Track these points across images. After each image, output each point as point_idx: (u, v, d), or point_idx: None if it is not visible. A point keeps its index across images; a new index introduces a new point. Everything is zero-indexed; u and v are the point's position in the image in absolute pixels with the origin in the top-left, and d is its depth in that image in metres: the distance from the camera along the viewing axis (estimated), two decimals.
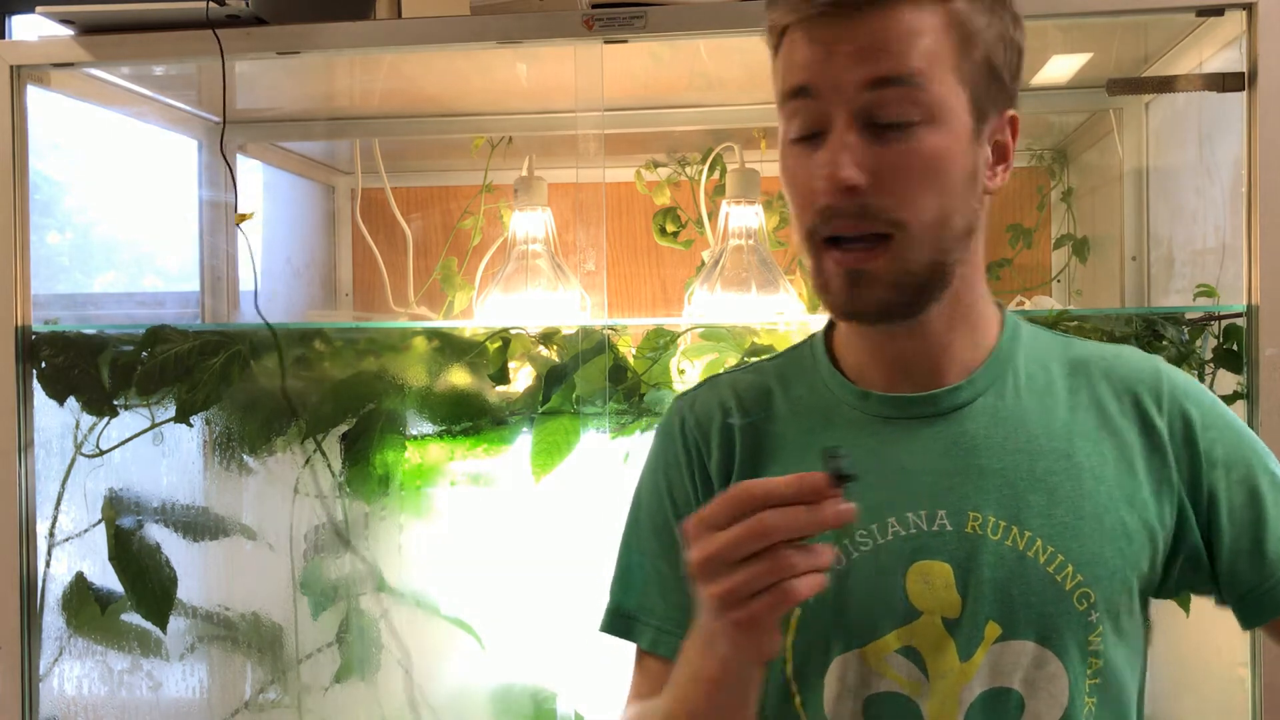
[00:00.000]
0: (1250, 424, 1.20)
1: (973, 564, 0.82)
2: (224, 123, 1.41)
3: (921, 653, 0.83)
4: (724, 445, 0.91)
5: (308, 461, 1.42)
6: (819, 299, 0.84)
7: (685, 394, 0.97)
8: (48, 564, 1.43)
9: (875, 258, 0.80)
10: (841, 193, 0.78)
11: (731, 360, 1.37)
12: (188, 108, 1.69)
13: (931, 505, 0.84)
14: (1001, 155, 0.84)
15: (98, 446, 1.44)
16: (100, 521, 1.43)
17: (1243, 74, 1.21)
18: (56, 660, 1.44)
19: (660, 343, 1.38)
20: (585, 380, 1.33)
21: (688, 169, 1.79)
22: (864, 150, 0.78)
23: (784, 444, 0.90)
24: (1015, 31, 0.83)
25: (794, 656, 0.87)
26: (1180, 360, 1.29)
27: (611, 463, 1.37)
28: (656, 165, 1.80)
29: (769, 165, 1.79)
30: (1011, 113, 0.84)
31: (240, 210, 1.44)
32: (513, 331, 1.40)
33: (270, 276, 1.91)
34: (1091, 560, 0.82)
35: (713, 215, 1.74)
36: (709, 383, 0.97)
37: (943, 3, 0.79)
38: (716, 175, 1.76)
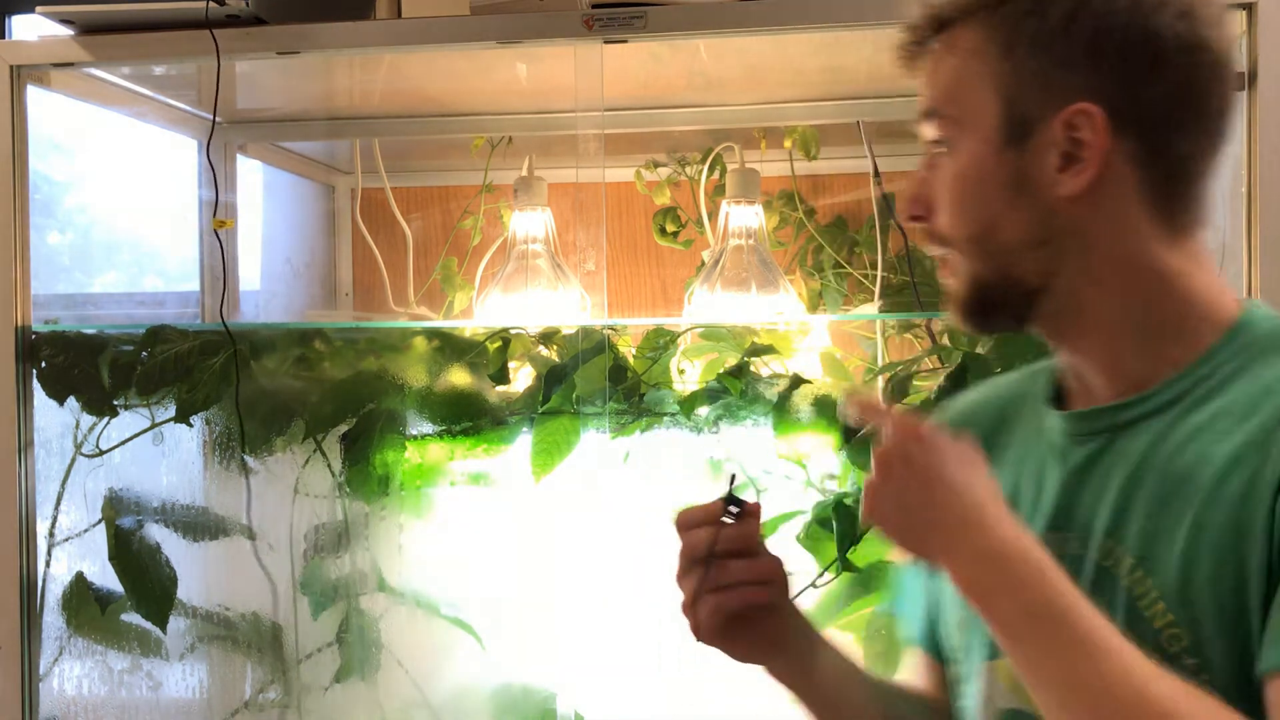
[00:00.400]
0: None
1: (1084, 589, 0.75)
2: (213, 121, 1.41)
3: None
4: None
5: (307, 462, 1.42)
6: None
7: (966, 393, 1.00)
8: (48, 564, 1.43)
9: (948, 272, 0.85)
10: (911, 220, 0.86)
11: (732, 360, 1.37)
12: (188, 108, 1.68)
13: (1067, 526, 0.81)
14: (1073, 156, 0.77)
15: (98, 446, 1.44)
16: (100, 521, 1.43)
17: (1243, 74, 1.21)
18: (56, 660, 1.44)
19: (660, 343, 1.38)
20: (585, 380, 1.33)
21: (688, 169, 1.79)
22: (925, 181, 0.84)
23: (1005, 453, 0.90)
24: (1082, 16, 0.76)
25: (959, 659, 0.90)
26: None
27: (611, 463, 1.37)
28: (656, 165, 1.80)
29: (769, 165, 1.79)
30: (1079, 106, 0.76)
31: (225, 214, 1.43)
32: (513, 331, 1.40)
33: (270, 276, 1.91)
34: (1189, 603, 0.73)
35: (713, 215, 1.74)
36: (983, 384, 1.00)
37: (975, 17, 0.80)
38: (716, 175, 1.76)
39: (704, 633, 0.85)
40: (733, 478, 0.85)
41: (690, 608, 0.85)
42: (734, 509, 0.83)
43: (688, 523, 0.85)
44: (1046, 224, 0.79)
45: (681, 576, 0.86)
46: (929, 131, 0.84)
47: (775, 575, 0.86)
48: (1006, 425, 0.92)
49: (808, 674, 0.91)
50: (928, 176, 0.84)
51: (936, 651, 0.96)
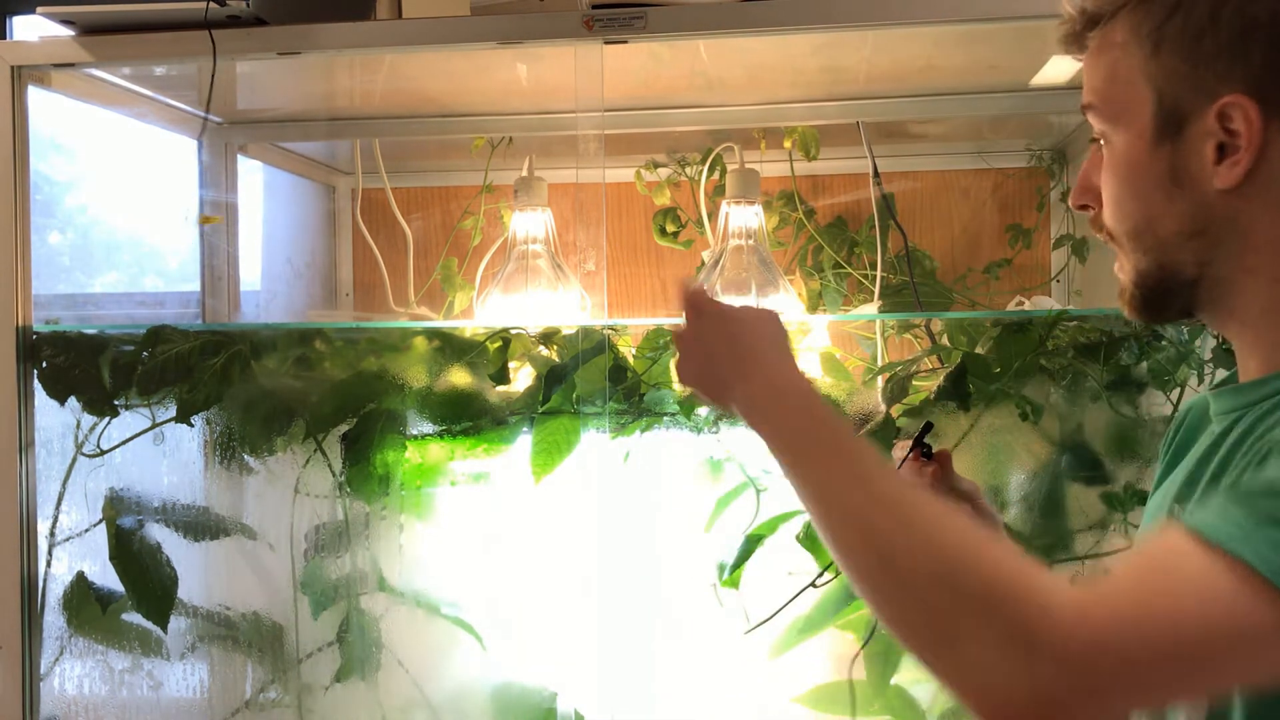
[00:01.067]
0: None
1: None
2: (205, 120, 1.41)
3: None
4: (1176, 429, 0.97)
5: (308, 462, 1.42)
6: None
7: None
8: (48, 564, 1.43)
9: (1119, 262, 0.86)
10: (1080, 209, 0.88)
11: None
12: (188, 108, 1.69)
13: (1187, 497, 0.83)
14: (1228, 148, 0.77)
15: (98, 446, 1.44)
16: (101, 521, 1.43)
17: None
18: (57, 660, 1.44)
19: (660, 343, 1.38)
20: (585, 380, 1.34)
21: (688, 169, 1.79)
22: (1089, 169, 0.86)
23: (1190, 441, 0.91)
24: (1228, 8, 0.76)
25: None
26: (1179, 360, 1.29)
27: (611, 463, 1.37)
28: (656, 165, 1.80)
29: (769, 165, 1.79)
30: (1230, 99, 0.76)
31: (220, 217, 1.43)
32: (513, 331, 1.40)
33: (270, 276, 1.91)
34: None
35: (712, 215, 1.75)
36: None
37: (1122, 12, 0.81)
38: (716, 175, 1.76)
39: None
40: (926, 425, 0.90)
41: None
42: (922, 452, 0.89)
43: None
44: (1203, 215, 0.79)
45: None
46: (1093, 123, 0.85)
47: None
48: (1206, 413, 0.93)
49: None
50: (1093, 168, 0.85)
51: None
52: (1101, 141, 0.84)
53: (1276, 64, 0.76)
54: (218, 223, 1.43)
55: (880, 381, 1.39)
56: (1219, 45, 0.77)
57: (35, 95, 1.40)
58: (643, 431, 1.36)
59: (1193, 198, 0.79)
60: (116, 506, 1.44)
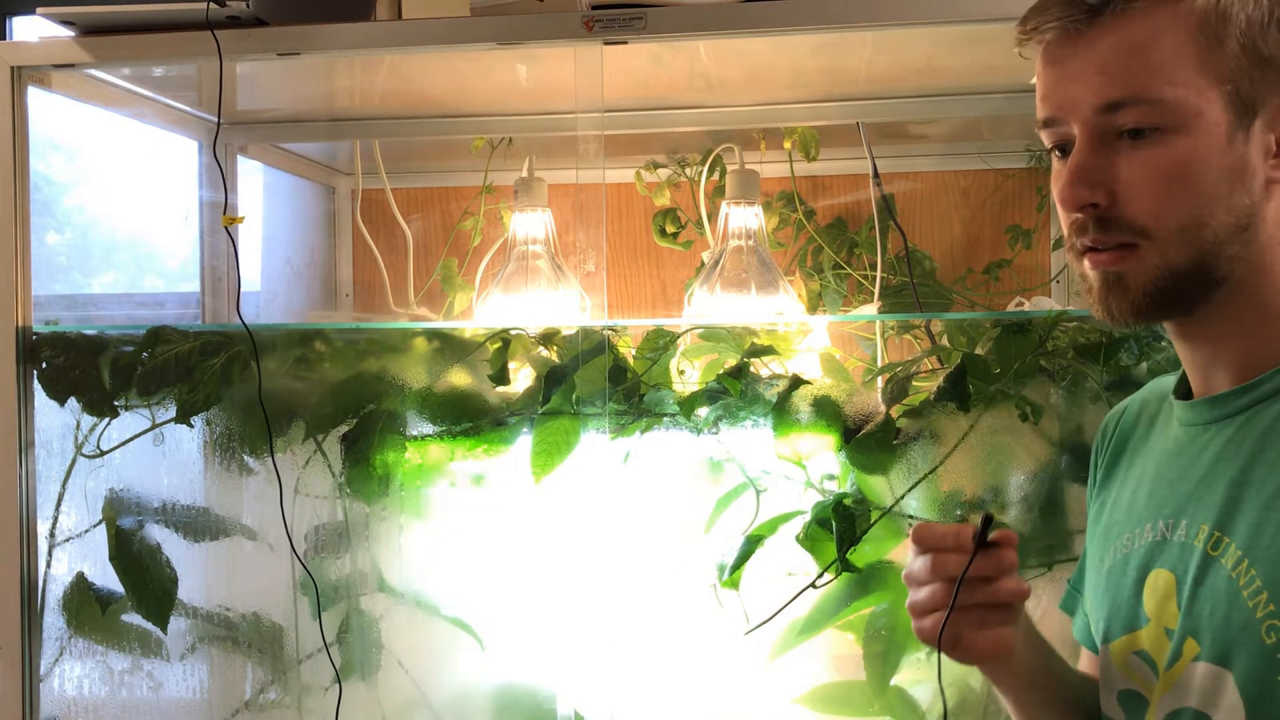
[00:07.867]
0: None
1: (1189, 577, 0.80)
2: (219, 123, 1.41)
3: (1153, 658, 0.83)
4: (1104, 441, 0.97)
5: (308, 462, 1.42)
6: (1086, 305, 0.84)
7: None
8: (48, 564, 1.43)
9: (1125, 260, 0.80)
10: (1082, 210, 0.80)
11: (731, 361, 1.37)
12: (188, 109, 1.69)
13: (1178, 514, 0.83)
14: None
15: (98, 447, 1.44)
16: (101, 522, 1.43)
17: None
18: (57, 660, 1.44)
19: (660, 343, 1.38)
20: (585, 381, 1.34)
21: (687, 170, 1.79)
22: (1102, 166, 0.79)
23: (1127, 448, 0.92)
24: None
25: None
26: (1179, 361, 1.29)
27: (611, 463, 1.37)
28: (656, 166, 1.80)
29: (769, 166, 1.79)
30: None
31: (231, 214, 1.43)
32: (513, 332, 1.40)
33: (270, 277, 1.91)
34: None
35: (712, 216, 1.75)
36: (1145, 387, 0.98)
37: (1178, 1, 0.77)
38: (716, 176, 1.76)
39: (931, 639, 0.86)
40: (988, 519, 0.84)
41: (919, 613, 0.87)
42: (988, 543, 0.85)
43: (933, 541, 0.86)
44: (1251, 211, 0.78)
45: (920, 584, 0.87)
46: (1125, 119, 0.78)
47: (1016, 599, 0.86)
48: (1145, 422, 0.93)
49: (1022, 677, 0.94)
50: (1107, 163, 0.79)
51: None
52: (1136, 137, 0.78)
53: None
54: (240, 222, 1.43)
55: (880, 382, 1.39)
56: None
57: (35, 95, 1.40)
58: (643, 432, 1.36)
59: (1248, 192, 0.78)
60: (116, 507, 1.44)
